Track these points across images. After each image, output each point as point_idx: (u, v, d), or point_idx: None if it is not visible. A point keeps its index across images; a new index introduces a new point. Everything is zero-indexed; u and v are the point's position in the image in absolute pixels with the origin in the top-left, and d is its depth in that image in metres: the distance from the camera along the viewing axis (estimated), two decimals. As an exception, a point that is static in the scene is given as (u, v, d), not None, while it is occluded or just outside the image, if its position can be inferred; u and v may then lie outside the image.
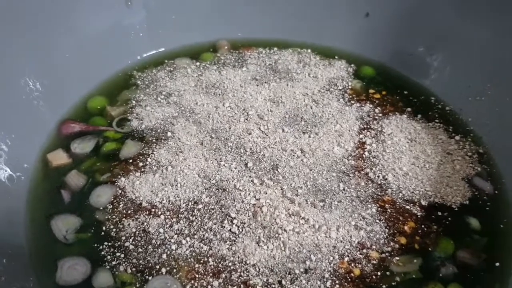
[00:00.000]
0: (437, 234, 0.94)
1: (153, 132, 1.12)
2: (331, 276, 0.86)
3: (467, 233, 0.96)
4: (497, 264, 0.91)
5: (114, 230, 0.92)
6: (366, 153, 1.09)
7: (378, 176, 1.03)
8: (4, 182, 0.98)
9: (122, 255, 0.88)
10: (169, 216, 0.94)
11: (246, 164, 1.04)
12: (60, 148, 1.09)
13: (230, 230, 0.91)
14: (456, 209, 0.99)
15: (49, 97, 1.14)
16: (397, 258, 0.89)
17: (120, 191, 0.99)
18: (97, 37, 1.28)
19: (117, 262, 0.88)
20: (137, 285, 0.85)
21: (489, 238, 0.96)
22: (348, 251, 0.89)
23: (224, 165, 1.04)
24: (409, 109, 1.21)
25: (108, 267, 0.87)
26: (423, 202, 0.99)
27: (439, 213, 0.98)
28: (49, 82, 1.15)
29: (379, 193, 1.00)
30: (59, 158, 1.06)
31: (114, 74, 1.31)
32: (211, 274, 0.86)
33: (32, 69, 1.12)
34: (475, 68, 1.21)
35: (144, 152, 1.07)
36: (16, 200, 0.98)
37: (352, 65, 1.34)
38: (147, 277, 0.85)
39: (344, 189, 1.00)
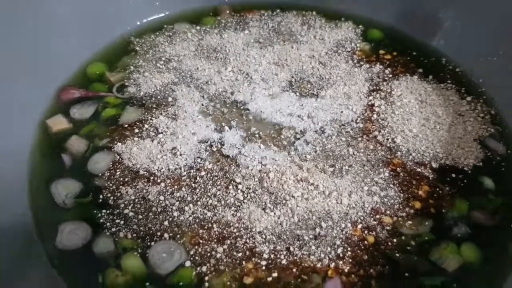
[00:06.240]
0: (451, 196, 0.86)
1: (153, 98, 1.03)
2: (343, 243, 0.78)
3: (481, 194, 0.88)
4: (512, 225, 0.84)
5: (111, 198, 0.85)
6: (375, 115, 1.00)
7: (387, 139, 0.95)
8: (5, 147, 0.92)
9: (122, 222, 0.81)
10: (169, 184, 0.86)
11: (250, 130, 0.96)
12: (60, 114, 1.01)
13: (235, 196, 0.84)
14: (469, 171, 0.90)
15: (47, 63, 1.06)
16: (410, 222, 0.82)
17: (118, 157, 0.91)
18: (96, 2, 1.18)
19: (117, 228, 0.80)
20: (139, 251, 0.78)
21: (503, 198, 0.88)
22: (361, 218, 0.81)
23: (227, 131, 0.96)
24: (420, 70, 1.11)
25: (108, 233, 0.80)
26: (434, 165, 0.91)
27: (453, 175, 0.89)
28: (47, 48, 1.07)
29: (389, 156, 0.92)
30: (58, 123, 0.99)
31: (113, 40, 1.21)
32: (215, 240, 0.78)
33: (29, 35, 1.04)
34: (486, 27, 1.10)
35: (144, 118, 0.99)
36: (16, 165, 0.92)
37: (360, 26, 1.23)
38: (149, 243, 0.79)
39: (353, 154, 0.91)
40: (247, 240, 0.78)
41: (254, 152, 0.91)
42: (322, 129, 0.96)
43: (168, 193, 0.85)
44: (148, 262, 0.76)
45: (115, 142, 0.94)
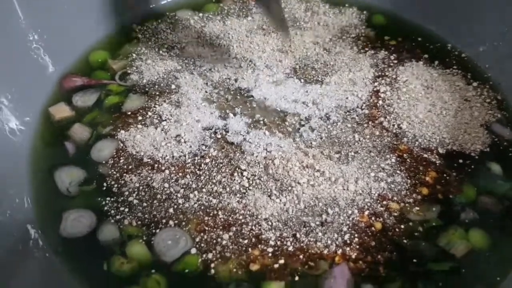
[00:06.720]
0: (459, 182, 0.84)
1: (156, 86, 1.01)
2: (350, 229, 0.76)
3: (489, 179, 0.86)
4: (521, 210, 0.82)
5: (115, 185, 0.83)
6: (381, 101, 0.97)
7: (393, 125, 0.93)
8: (7, 136, 0.91)
9: (126, 210, 0.79)
10: (174, 171, 0.85)
11: (254, 117, 0.94)
12: (62, 102, 0.99)
13: (240, 183, 0.82)
14: (476, 157, 0.89)
15: (49, 50, 1.04)
16: (417, 208, 0.80)
17: (121, 144, 0.89)
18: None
19: (122, 216, 0.79)
20: (144, 238, 0.76)
21: (511, 184, 0.86)
22: (368, 204, 0.80)
23: (232, 117, 0.94)
24: (425, 55, 1.09)
25: (112, 221, 0.78)
26: (440, 150, 0.89)
27: (460, 161, 0.88)
28: (48, 35, 1.04)
29: (395, 142, 0.90)
30: (61, 111, 0.97)
31: (115, 28, 1.18)
32: (221, 227, 0.77)
33: (31, 22, 1.01)
34: (491, 12, 1.07)
35: (147, 105, 0.97)
36: (19, 153, 0.90)
37: (365, 12, 1.20)
38: (154, 230, 0.77)
39: (359, 140, 0.89)
40: (253, 227, 0.77)
41: (259, 139, 0.89)
42: (327, 115, 0.94)
43: (173, 180, 0.83)
44: (154, 250, 0.75)
45: (119, 129, 0.92)
